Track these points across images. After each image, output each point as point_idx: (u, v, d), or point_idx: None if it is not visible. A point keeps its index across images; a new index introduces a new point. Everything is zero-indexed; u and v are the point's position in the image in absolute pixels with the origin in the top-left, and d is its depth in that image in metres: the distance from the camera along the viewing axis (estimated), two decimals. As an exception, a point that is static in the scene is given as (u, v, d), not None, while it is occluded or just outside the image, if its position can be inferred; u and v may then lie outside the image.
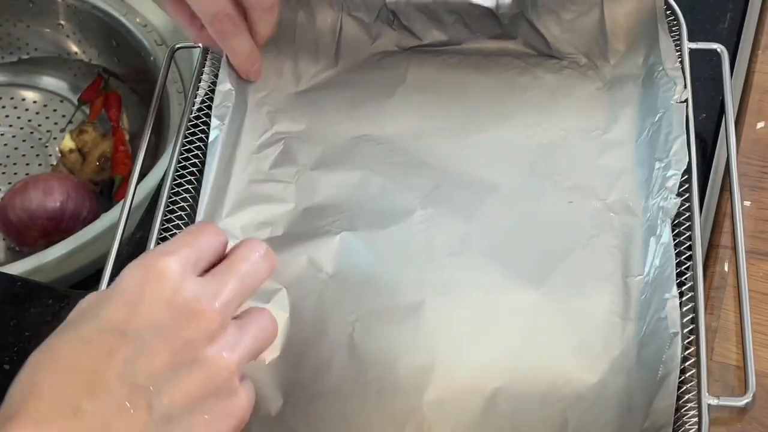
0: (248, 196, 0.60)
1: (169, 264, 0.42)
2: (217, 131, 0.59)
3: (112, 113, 0.88)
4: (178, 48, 0.66)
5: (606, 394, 0.50)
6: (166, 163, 0.59)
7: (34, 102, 0.91)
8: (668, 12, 0.61)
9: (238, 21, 0.59)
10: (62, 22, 0.90)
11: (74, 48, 0.91)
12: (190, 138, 0.60)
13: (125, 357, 0.39)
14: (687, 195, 0.53)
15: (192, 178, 0.58)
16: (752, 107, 0.61)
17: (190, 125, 0.60)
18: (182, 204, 0.57)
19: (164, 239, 0.55)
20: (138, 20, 0.86)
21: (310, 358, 0.53)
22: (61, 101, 0.91)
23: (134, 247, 0.57)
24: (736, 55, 0.65)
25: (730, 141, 0.57)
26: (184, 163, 0.59)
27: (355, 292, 0.55)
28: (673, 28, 0.61)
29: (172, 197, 0.57)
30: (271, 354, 0.52)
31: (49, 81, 0.92)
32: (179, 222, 0.56)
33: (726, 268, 0.54)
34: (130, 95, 0.90)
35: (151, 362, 0.39)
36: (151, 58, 0.84)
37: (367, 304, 0.54)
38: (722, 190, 0.59)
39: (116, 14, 0.87)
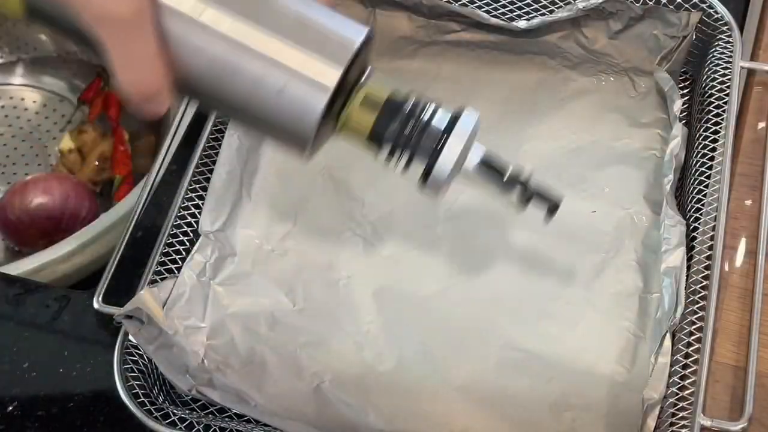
0: (277, 183, 0.60)
1: None
2: None
3: (111, 113, 0.87)
4: None
5: (616, 410, 0.50)
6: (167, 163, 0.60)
7: (34, 102, 0.91)
8: (725, 27, 0.61)
9: None
10: (62, 21, 0.90)
11: (74, 48, 0.91)
12: (219, 126, 0.61)
13: None
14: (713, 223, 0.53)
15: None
16: (752, 107, 0.61)
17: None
18: (201, 193, 0.58)
19: (179, 226, 0.56)
20: (138, 20, 0.86)
21: (331, 346, 0.54)
22: (61, 101, 0.91)
23: (133, 247, 0.57)
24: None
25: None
26: (209, 152, 0.60)
27: (372, 298, 0.55)
28: (728, 45, 0.60)
29: (192, 184, 0.58)
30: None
31: (49, 81, 0.92)
32: (196, 211, 0.57)
33: (727, 268, 0.54)
34: (130, 95, 0.89)
35: None
36: (151, 58, 0.84)
37: (386, 310, 0.55)
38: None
39: (116, 14, 0.86)
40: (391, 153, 0.41)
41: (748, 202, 0.57)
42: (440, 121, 0.41)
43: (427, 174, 0.41)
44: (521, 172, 0.43)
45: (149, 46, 0.36)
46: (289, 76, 0.38)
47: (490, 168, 0.43)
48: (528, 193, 0.44)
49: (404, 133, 0.41)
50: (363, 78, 0.41)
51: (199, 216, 0.57)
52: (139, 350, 0.53)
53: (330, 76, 0.38)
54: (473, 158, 0.42)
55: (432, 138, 0.41)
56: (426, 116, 0.41)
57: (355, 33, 0.39)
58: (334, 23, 0.39)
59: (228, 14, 0.37)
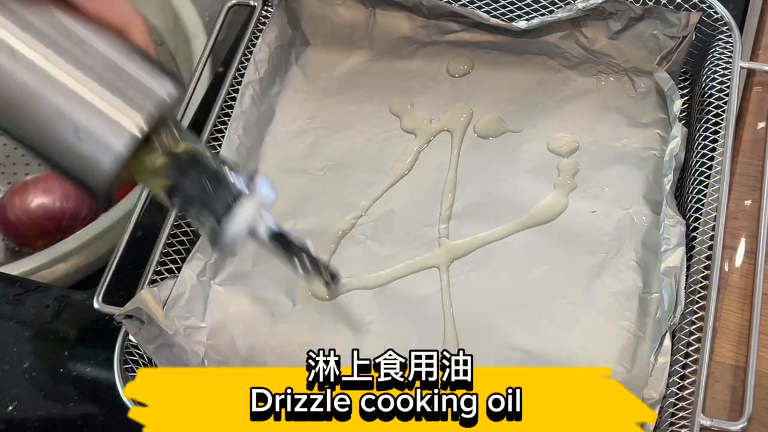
0: (277, 183, 0.61)
1: None
2: (248, 100, 0.61)
3: (112, 113, 0.87)
4: (234, 5, 0.66)
5: None
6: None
7: (34, 102, 0.91)
8: (725, 27, 0.61)
9: None
10: (62, 22, 0.90)
11: (74, 48, 0.91)
12: (219, 126, 0.61)
13: None
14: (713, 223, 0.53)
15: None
16: (752, 107, 0.61)
17: (225, 105, 0.61)
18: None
19: (179, 226, 0.56)
20: (138, 20, 0.86)
21: (331, 346, 0.54)
22: (61, 101, 0.91)
23: (133, 247, 0.57)
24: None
25: None
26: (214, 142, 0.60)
27: (372, 298, 0.55)
28: (728, 45, 0.60)
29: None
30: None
31: (48, 81, 0.92)
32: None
33: (727, 268, 0.54)
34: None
35: None
36: (151, 58, 0.84)
37: (386, 310, 0.55)
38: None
39: (116, 14, 0.86)
40: (184, 209, 0.41)
41: (748, 202, 0.57)
42: (235, 185, 0.41)
43: (215, 235, 0.41)
44: (305, 246, 0.44)
45: None
46: (91, 118, 0.37)
47: (279, 238, 0.43)
48: (310, 266, 0.44)
49: (198, 193, 0.40)
50: (163, 130, 0.40)
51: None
52: (140, 350, 0.53)
53: (136, 125, 0.37)
54: (263, 226, 0.42)
55: (224, 201, 0.40)
56: (222, 178, 0.41)
57: (162, 87, 0.39)
58: (147, 73, 0.39)
59: (38, 48, 0.37)
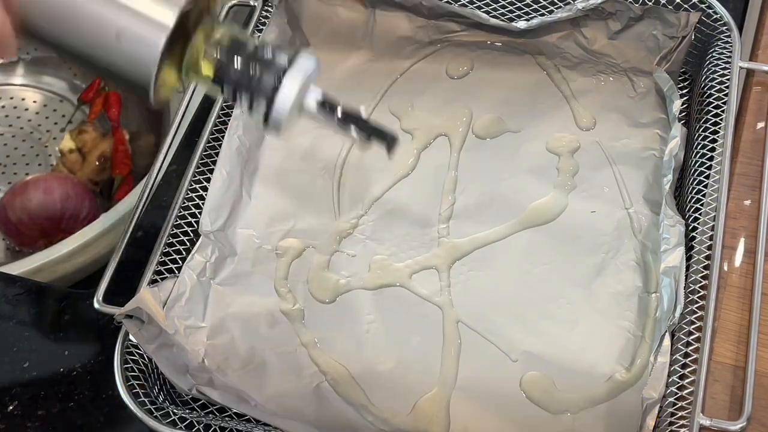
0: (277, 182, 0.61)
1: None
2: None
3: (111, 113, 0.87)
4: (234, 5, 0.66)
5: (616, 410, 0.50)
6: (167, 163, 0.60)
7: (34, 102, 0.91)
8: (724, 27, 0.61)
9: None
10: (62, 22, 0.90)
11: (74, 48, 0.91)
12: (219, 126, 0.61)
13: None
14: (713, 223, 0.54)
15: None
16: (751, 107, 0.61)
17: (225, 105, 0.62)
18: (201, 193, 0.58)
19: (179, 226, 0.56)
20: (138, 20, 0.86)
21: (331, 346, 0.55)
22: (61, 101, 0.91)
23: (133, 247, 0.57)
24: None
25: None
26: (209, 152, 0.60)
27: (372, 298, 0.56)
28: (727, 45, 0.60)
29: (192, 184, 0.58)
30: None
31: (49, 81, 0.92)
32: (196, 211, 0.57)
33: (726, 268, 0.54)
34: (129, 95, 0.89)
35: None
36: (151, 58, 0.84)
37: (386, 310, 0.55)
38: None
39: (116, 14, 0.86)
40: (234, 95, 0.43)
41: (747, 202, 0.57)
42: (278, 63, 0.43)
43: (267, 114, 0.43)
44: (356, 111, 0.46)
45: None
46: (127, 17, 0.40)
47: (329, 108, 0.45)
48: (365, 130, 0.46)
49: (244, 75, 0.43)
50: (203, 21, 0.42)
51: (199, 216, 0.57)
52: (140, 350, 0.53)
53: (167, 15, 0.40)
54: (311, 98, 0.45)
55: (270, 79, 0.43)
56: (265, 58, 0.43)
57: None
58: None
59: None
